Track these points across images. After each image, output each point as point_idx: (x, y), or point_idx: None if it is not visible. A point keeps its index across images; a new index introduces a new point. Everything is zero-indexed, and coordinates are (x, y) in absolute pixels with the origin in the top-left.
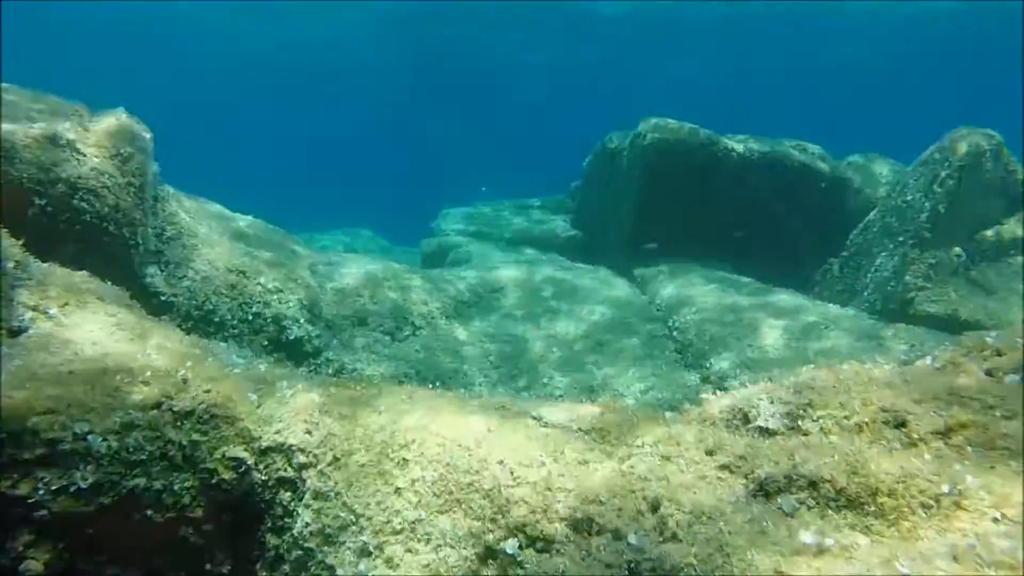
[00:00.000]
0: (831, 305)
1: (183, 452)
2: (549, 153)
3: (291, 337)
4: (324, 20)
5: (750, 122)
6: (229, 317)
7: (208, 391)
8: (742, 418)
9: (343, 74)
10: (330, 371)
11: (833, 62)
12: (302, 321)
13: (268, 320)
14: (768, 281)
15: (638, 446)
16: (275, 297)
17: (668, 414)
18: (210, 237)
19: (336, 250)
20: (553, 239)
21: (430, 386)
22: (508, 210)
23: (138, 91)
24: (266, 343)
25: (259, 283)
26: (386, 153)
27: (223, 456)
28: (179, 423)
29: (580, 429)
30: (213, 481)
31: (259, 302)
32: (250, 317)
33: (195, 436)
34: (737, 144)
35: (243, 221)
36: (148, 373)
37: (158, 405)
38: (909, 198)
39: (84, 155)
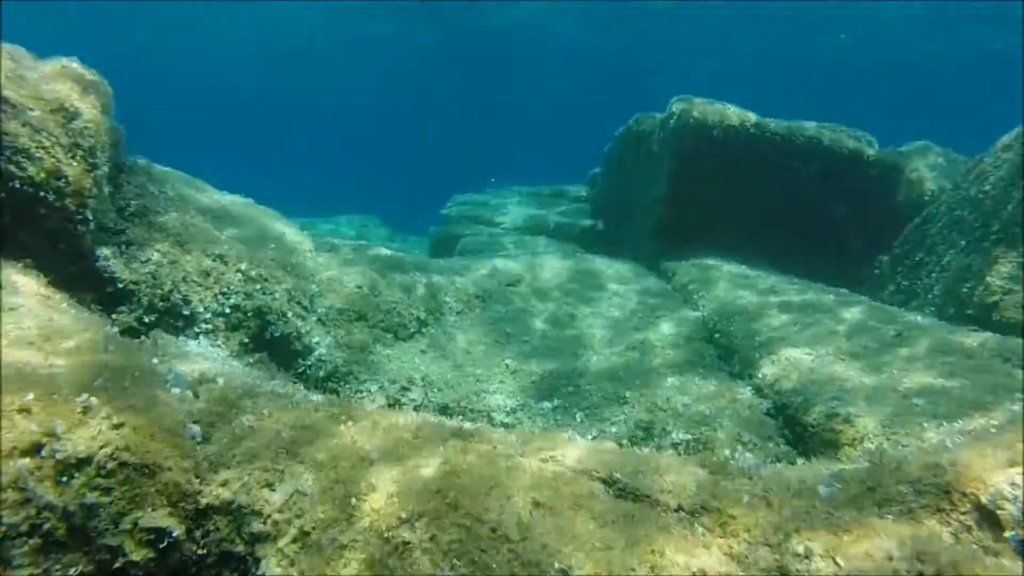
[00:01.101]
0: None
1: (70, 523)
2: (562, 142)
3: (276, 334)
4: (338, 8)
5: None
6: (201, 310)
7: (119, 425)
8: (979, 513)
9: (355, 64)
10: (321, 374)
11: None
12: (289, 315)
13: (249, 313)
14: (811, 279)
15: (796, 553)
16: (258, 287)
17: (823, 488)
18: (185, 215)
19: (339, 235)
20: (570, 228)
21: (435, 400)
22: (521, 197)
23: (151, 74)
24: (246, 340)
25: (240, 270)
26: (397, 140)
27: (135, 526)
28: (66, 477)
29: (681, 508)
30: (118, 564)
31: (239, 292)
32: (227, 310)
33: (92, 497)
34: (780, 127)
35: (228, 199)
36: (31, 396)
37: (35, 449)
38: (988, 188)
39: (15, 106)
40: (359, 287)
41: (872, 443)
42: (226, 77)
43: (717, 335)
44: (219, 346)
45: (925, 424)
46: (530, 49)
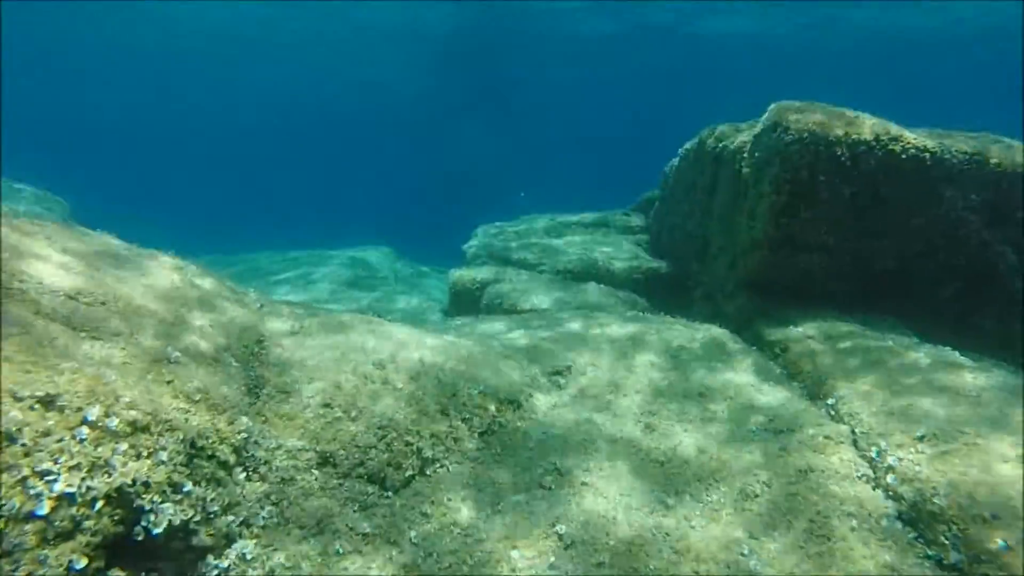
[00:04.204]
0: None
1: None
2: (600, 154)
3: (156, 531)
4: (350, 25)
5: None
6: None
7: None
8: None
9: (367, 79)
10: None
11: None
12: (188, 488)
13: (97, 504)
14: (965, 349)
15: None
16: (125, 447)
17: None
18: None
19: (338, 278)
20: (624, 272)
21: None
22: (558, 229)
23: (148, 96)
24: (87, 562)
25: (89, 420)
26: (415, 162)
27: None
28: None
29: None
30: None
31: (77, 465)
32: (41, 509)
33: None
34: (928, 140)
35: (131, 258)
36: None
37: None
38: None
39: None
40: (329, 404)
41: None
42: (219, 92)
43: (941, 525)
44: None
45: None
46: (560, 49)
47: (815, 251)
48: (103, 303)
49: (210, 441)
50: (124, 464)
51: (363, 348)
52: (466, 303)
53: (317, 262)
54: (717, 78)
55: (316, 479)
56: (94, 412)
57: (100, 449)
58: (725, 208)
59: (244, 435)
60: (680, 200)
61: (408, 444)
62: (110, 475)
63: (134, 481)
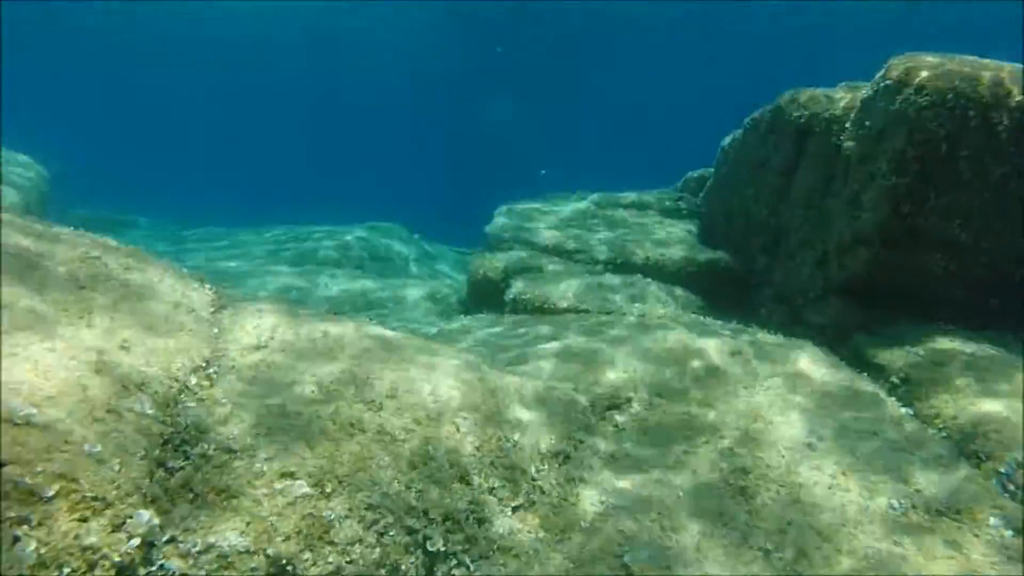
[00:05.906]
0: None
1: None
2: (629, 138)
3: None
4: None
5: None
6: None
7: None
8: None
9: (382, 45)
10: None
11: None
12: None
13: None
14: None
15: None
16: None
17: None
18: None
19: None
20: (676, 264)
21: None
22: (595, 210)
23: (165, 79)
24: None
25: None
26: (432, 135)
27: None
28: None
29: None
30: None
31: None
32: None
33: None
34: None
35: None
36: None
37: None
38: None
39: None
40: (288, 475)
41: None
42: (236, 72)
43: None
44: None
45: None
46: (589, 21)
47: (941, 249)
48: None
49: (67, 571)
50: None
51: (353, 375)
52: (488, 295)
53: (318, 240)
54: (763, 53)
55: None
56: None
57: None
58: (811, 192)
59: (143, 540)
60: (744, 180)
61: (411, 532)
62: None
63: None
